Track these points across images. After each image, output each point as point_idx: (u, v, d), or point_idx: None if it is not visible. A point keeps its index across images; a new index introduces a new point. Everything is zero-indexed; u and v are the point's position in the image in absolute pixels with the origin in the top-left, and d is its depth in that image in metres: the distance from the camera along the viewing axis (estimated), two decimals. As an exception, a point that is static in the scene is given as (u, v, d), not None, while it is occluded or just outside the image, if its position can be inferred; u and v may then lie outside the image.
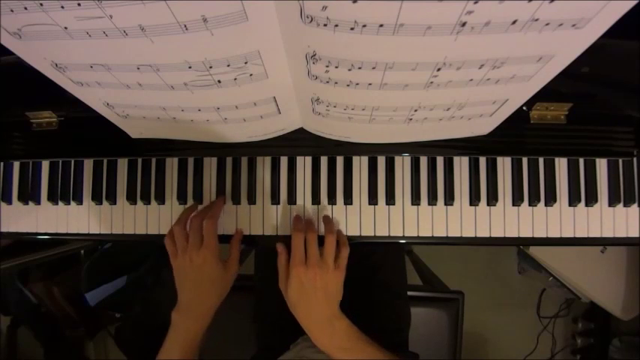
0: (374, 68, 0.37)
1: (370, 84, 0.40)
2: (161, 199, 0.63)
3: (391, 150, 0.58)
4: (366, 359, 0.52)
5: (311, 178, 0.62)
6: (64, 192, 0.65)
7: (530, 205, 0.61)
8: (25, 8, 0.32)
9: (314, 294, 0.52)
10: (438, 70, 0.37)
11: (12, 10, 0.32)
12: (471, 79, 0.39)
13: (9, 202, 0.66)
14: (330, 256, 0.53)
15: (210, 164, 0.63)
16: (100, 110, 0.50)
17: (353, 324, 0.54)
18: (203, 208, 0.58)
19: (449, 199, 0.61)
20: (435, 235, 0.61)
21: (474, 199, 0.60)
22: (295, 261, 0.53)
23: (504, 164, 0.61)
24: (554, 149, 0.58)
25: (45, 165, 0.66)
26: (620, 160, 0.60)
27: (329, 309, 0.53)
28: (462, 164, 0.61)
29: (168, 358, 0.53)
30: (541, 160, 0.61)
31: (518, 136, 0.57)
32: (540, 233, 0.60)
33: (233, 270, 0.56)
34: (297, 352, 0.67)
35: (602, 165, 0.61)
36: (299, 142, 0.57)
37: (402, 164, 0.61)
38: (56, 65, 0.40)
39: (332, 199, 0.61)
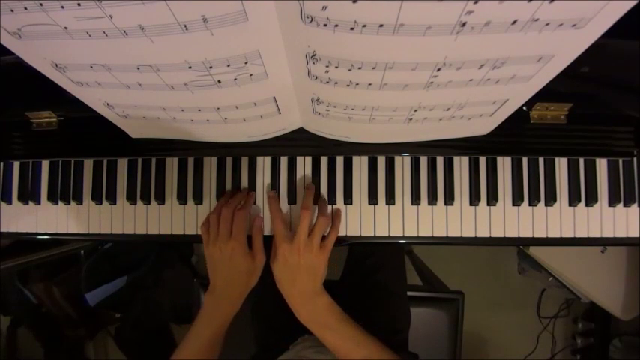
0: (374, 68, 0.37)
1: (370, 84, 0.40)
2: (161, 199, 0.63)
3: (391, 150, 0.58)
4: (345, 335, 0.54)
5: (311, 178, 0.62)
6: (64, 192, 0.65)
7: (530, 205, 0.61)
8: (25, 8, 0.32)
9: (297, 270, 0.54)
10: (438, 70, 0.37)
11: (12, 10, 0.32)
12: (471, 79, 0.39)
13: (9, 202, 0.66)
14: (316, 236, 0.55)
15: (210, 164, 0.63)
16: (100, 110, 0.50)
17: (334, 302, 0.56)
18: (234, 198, 0.59)
19: (449, 199, 0.61)
20: (435, 235, 0.61)
21: (474, 199, 0.60)
22: (280, 238, 0.55)
23: (504, 164, 0.61)
24: (554, 149, 0.58)
25: (45, 165, 0.66)
26: (620, 160, 0.60)
27: (311, 285, 0.55)
28: (462, 164, 0.61)
29: (198, 338, 0.56)
30: (541, 160, 0.61)
31: (518, 136, 0.57)
32: (540, 233, 0.60)
33: (259, 259, 0.57)
34: (297, 352, 0.67)
35: (602, 165, 0.61)
36: (299, 142, 0.57)
37: (402, 164, 0.61)
38: (56, 65, 0.40)
39: (332, 199, 0.61)
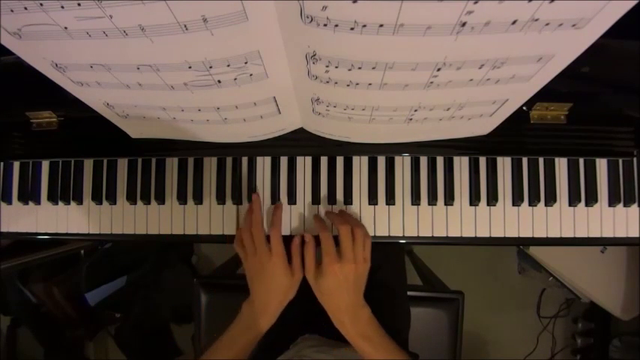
0: (374, 68, 0.37)
1: (370, 84, 0.40)
2: (161, 199, 0.63)
3: (391, 150, 0.58)
4: (384, 349, 0.55)
5: (311, 178, 0.62)
6: (64, 192, 0.65)
7: (530, 205, 0.61)
8: (25, 8, 0.32)
9: (346, 287, 0.55)
10: (438, 70, 0.37)
11: (12, 10, 0.32)
12: (471, 79, 0.39)
13: (9, 202, 0.66)
14: (360, 250, 0.56)
15: (210, 164, 0.63)
16: (100, 110, 0.50)
17: (374, 316, 0.57)
18: (254, 216, 0.59)
19: (449, 199, 0.61)
20: (435, 235, 0.61)
21: (474, 199, 0.60)
22: (330, 259, 0.55)
23: (504, 164, 0.61)
24: (554, 149, 0.58)
25: (45, 165, 0.66)
26: (620, 160, 0.60)
27: (356, 298, 0.56)
28: (462, 164, 0.61)
29: (234, 343, 0.57)
30: (541, 160, 0.61)
31: (518, 136, 0.58)
32: (540, 233, 0.60)
33: (297, 276, 0.58)
34: (297, 351, 0.67)
35: (602, 165, 0.61)
36: (299, 142, 0.57)
37: (402, 164, 0.61)
38: (56, 65, 0.40)
39: (332, 199, 0.61)
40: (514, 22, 0.31)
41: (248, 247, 0.58)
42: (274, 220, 0.60)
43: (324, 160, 0.62)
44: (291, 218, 0.62)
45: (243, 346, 0.57)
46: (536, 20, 0.30)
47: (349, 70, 0.38)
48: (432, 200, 0.61)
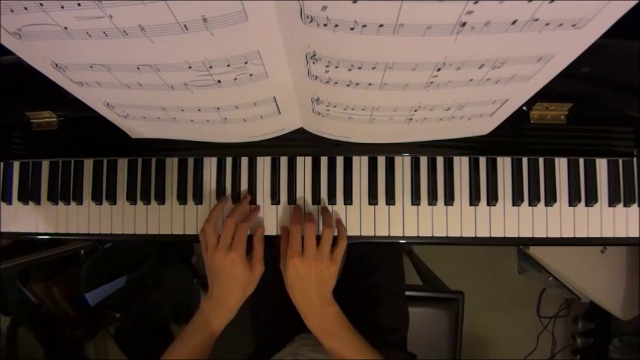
0: (374, 68, 0.37)
1: (370, 84, 0.40)
2: (161, 199, 0.63)
3: (391, 150, 0.58)
4: (351, 346, 0.56)
5: (311, 178, 0.62)
6: (64, 192, 0.65)
7: (530, 205, 0.61)
8: (25, 8, 0.32)
9: (308, 282, 0.55)
10: (438, 70, 0.37)
11: (12, 10, 0.32)
12: (471, 79, 0.39)
13: (9, 202, 0.66)
14: (325, 248, 0.56)
15: (210, 164, 0.63)
16: (100, 110, 0.50)
17: (342, 313, 0.57)
18: (235, 207, 0.59)
19: (449, 199, 0.61)
20: (435, 235, 0.61)
21: (474, 199, 0.60)
22: (292, 251, 0.55)
23: (504, 164, 0.61)
24: (554, 149, 0.58)
25: (45, 165, 0.66)
26: (620, 160, 0.60)
27: (321, 295, 0.56)
28: (462, 164, 0.61)
29: (190, 340, 0.57)
30: (541, 160, 0.61)
31: (518, 136, 0.58)
32: (540, 233, 0.60)
33: (258, 270, 0.58)
34: (292, 350, 0.67)
35: (602, 165, 0.61)
36: (299, 142, 0.57)
37: (402, 164, 0.61)
38: (56, 65, 0.40)
39: (332, 199, 0.61)
40: (514, 22, 0.31)
41: (210, 240, 0.57)
42: (247, 217, 0.59)
43: (324, 160, 0.62)
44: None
45: (200, 343, 0.56)
46: (536, 20, 0.30)
47: (349, 70, 0.38)
48: (432, 200, 0.61)
